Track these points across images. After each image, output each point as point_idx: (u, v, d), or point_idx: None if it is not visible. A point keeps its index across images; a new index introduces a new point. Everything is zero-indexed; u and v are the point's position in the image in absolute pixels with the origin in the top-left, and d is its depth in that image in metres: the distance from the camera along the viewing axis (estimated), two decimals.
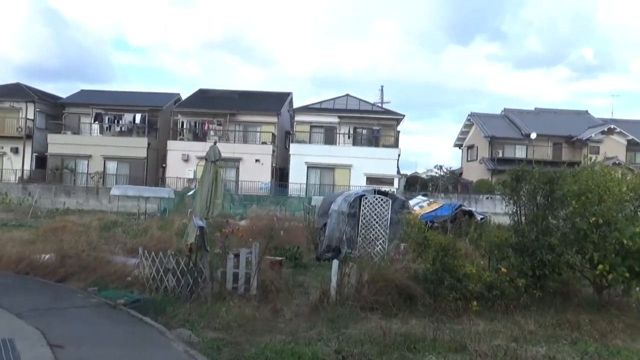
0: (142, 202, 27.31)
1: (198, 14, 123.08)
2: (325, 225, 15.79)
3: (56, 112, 39.83)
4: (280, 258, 11.36)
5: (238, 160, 36.22)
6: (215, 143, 8.17)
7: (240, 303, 7.99)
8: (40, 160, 37.83)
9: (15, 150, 37.31)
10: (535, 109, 48.34)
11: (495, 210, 26.97)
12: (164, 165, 37.47)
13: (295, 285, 10.16)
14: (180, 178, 35.63)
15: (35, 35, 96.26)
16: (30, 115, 37.61)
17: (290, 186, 36.32)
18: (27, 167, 37.32)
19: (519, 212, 10.51)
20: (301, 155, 36.63)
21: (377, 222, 14.36)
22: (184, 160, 36.21)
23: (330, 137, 38.42)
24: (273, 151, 37.40)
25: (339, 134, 38.31)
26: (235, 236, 9.07)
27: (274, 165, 37.51)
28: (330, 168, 36.65)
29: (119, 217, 23.42)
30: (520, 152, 41.51)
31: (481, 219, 19.94)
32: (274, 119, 38.93)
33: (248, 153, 36.67)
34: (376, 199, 14.33)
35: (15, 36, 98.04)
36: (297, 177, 36.39)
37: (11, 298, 7.58)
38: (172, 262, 8.49)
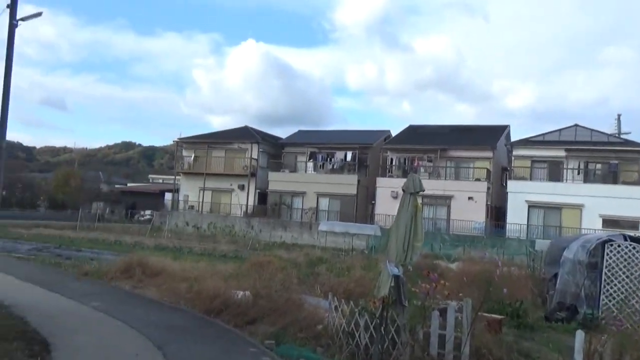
0: (350, 238, 26.88)
1: (413, 57, 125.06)
2: (555, 275, 12.91)
3: (276, 151, 42.69)
4: (500, 316, 9.11)
5: (449, 197, 34.03)
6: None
7: None
8: (262, 196, 40.61)
9: (241, 187, 40.68)
10: None
11: None
12: (373, 202, 37.10)
13: (521, 356, 7.83)
14: (388, 215, 34.71)
15: (269, 88, 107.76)
16: (255, 155, 40.81)
17: (508, 227, 32.76)
18: (250, 202, 40.35)
19: None
20: (521, 193, 32.91)
21: (628, 277, 11.10)
22: (392, 197, 35.27)
23: (555, 173, 33.91)
24: (488, 188, 34.33)
25: (567, 169, 33.56)
26: (442, 286, 7.19)
27: (488, 203, 34.36)
28: (556, 208, 32.14)
29: (326, 253, 23.15)
30: None
31: None
32: (489, 154, 35.89)
33: (460, 190, 34.24)
34: (629, 247, 11.10)
35: (253, 89, 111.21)
36: (515, 217, 32.69)
37: (180, 345, 6.92)
38: (365, 316, 7.00)
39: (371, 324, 7.33)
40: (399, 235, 6.16)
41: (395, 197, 35.00)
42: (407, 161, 37.25)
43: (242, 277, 12.76)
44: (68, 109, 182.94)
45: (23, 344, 5.97)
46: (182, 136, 45.10)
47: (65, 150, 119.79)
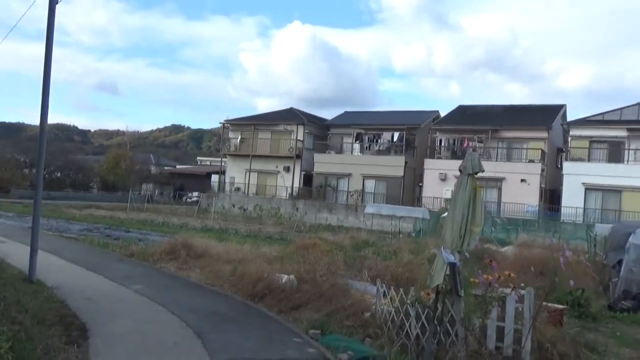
0: (397, 221, 26.29)
1: (462, 37, 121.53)
2: (619, 262, 12.05)
3: (322, 133, 42.25)
4: (561, 306, 8.45)
5: (500, 180, 32.78)
6: (474, 150, 5.95)
7: None
8: (307, 178, 40.37)
9: (287, 169, 40.55)
10: None
11: None
12: (420, 184, 36.24)
13: (587, 349, 7.17)
14: (436, 198, 33.93)
15: (315, 70, 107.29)
16: (300, 137, 40.50)
17: (563, 210, 31.33)
18: (296, 184, 40.19)
19: None
20: (577, 175, 31.32)
21: None
22: (441, 180, 34.36)
23: (615, 154, 32.06)
24: (542, 170, 32.87)
25: (628, 149, 31.68)
26: (507, 278, 6.60)
27: (542, 185, 32.95)
28: (616, 191, 30.45)
29: (372, 236, 22.69)
30: None
31: None
32: (544, 134, 34.32)
33: (512, 172, 32.92)
34: None
35: (299, 71, 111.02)
36: (571, 200, 31.18)
37: (220, 334, 6.64)
38: (417, 307, 6.52)
39: (423, 314, 6.85)
40: (455, 219, 5.60)
41: (444, 179, 34.09)
42: (456, 142, 36.10)
43: (286, 260, 12.49)
44: (120, 93, 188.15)
45: (61, 329, 5.82)
46: (229, 118, 45.28)
47: (118, 133, 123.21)
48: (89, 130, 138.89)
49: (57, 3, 7.81)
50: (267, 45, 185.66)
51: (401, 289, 7.20)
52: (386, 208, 25.67)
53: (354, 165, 37.95)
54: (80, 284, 8.40)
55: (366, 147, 39.65)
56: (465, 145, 35.24)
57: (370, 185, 37.61)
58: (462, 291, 5.88)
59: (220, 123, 46.69)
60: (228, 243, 15.17)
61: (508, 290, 6.73)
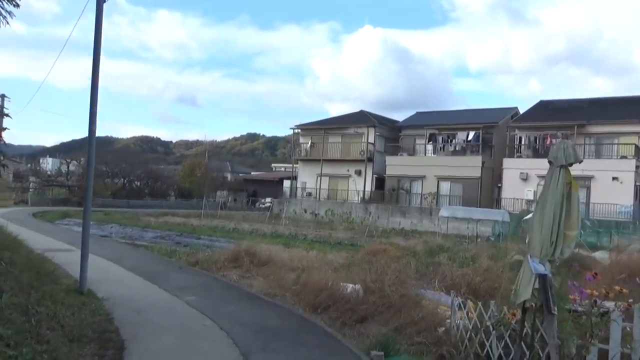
0: (474, 225, 24.81)
1: (541, 31, 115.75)
2: None
3: (393, 135, 41.11)
4: None
5: (589, 178, 30.28)
6: (567, 138, 4.92)
7: None
8: (379, 182, 39.36)
9: (358, 173, 39.77)
10: None
11: None
12: (499, 185, 34.25)
13: None
14: (517, 199, 31.92)
15: (386, 73, 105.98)
16: (371, 139, 39.59)
17: None
18: (367, 188, 39.30)
19: None
20: None
21: None
22: (522, 179, 32.30)
23: None
24: (637, 167, 30.07)
25: None
26: (618, 293, 5.48)
27: (637, 184, 30.14)
28: None
29: (447, 240, 21.45)
30: None
31: None
32: (637, 128, 31.41)
33: (602, 170, 30.31)
34: None
35: (371, 75, 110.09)
36: None
37: (268, 356, 5.93)
38: (499, 325, 5.55)
39: (506, 332, 5.87)
40: (544, 221, 4.60)
41: (525, 179, 32.06)
42: (538, 139, 33.87)
43: (353, 267, 11.72)
44: (199, 104, 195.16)
45: (96, 347, 5.33)
46: (299, 123, 45.19)
47: (197, 143, 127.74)
48: (171, 141, 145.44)
49: (104, 2, 7.54)
50: (338, 50, 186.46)
51: (480, 303, 6.23)
52: (462, 211, 24.24)
53: (428, 167, 36.52)
54: (133, 294, 8.03)
55: (440, 148, 38.10)
56: (548, 142, 32.95)
57: (445, 187, 36.03)
58: (556, 308, 4.86)
59: (290, 128, 46.75)
60: (294, 249, 14.62)
61: (609, 304, 5.62)
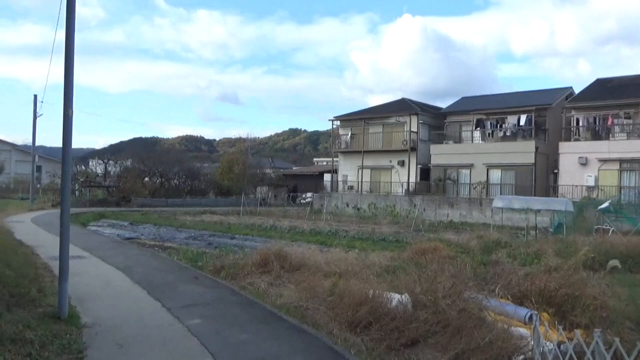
0: (532, 215, 22.61)
1: (589, 10, 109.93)
2: None
3: (437, 122, 38.96)
4: None
5: None
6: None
7: None
8: (424, 172, 37.36)
9: (401, 163, 37.87)
10: None
11: None
12: (555, 171, 31.70)
13: None
14: (575, 186, 29.42)
15: (427, 62, 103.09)
16: (414, 128, 37.60)
17: None
18: (412, 179, 37.37)
19: None
20: None
21: None
22: (581, 164, 29.73)
23: None
24: None
25: None
26: None
27: None
28: None
29: (502, 233, 19.43)
30: None
31: None
32: None
33: None
34: None
35: (411, 65, 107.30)
36: None
37: None
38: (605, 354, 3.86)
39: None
40: None
41: (584, 164, 29.51)
42: (597, 120, 31.13)
43: (399, 270, 10.10)
44: (240, 102, 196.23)
45: None
46: (337, 114, 43.57)
47: (239, 140, 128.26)
48: (215, 140, 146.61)
49: None
50: (377, 41, 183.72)
51: (577, 332, 4.53)
52: (519, 201, 22.09)
53: (476, 155, 34.27)
54: (126, 317, 6.58)
55: (488, 134, 35.70)
56: (609, 122, 30.25)
57: (495, 175, 33.71)
58: None
59: (329, 120, 45.17)
60: (332, 250, 13.08)
61: None
